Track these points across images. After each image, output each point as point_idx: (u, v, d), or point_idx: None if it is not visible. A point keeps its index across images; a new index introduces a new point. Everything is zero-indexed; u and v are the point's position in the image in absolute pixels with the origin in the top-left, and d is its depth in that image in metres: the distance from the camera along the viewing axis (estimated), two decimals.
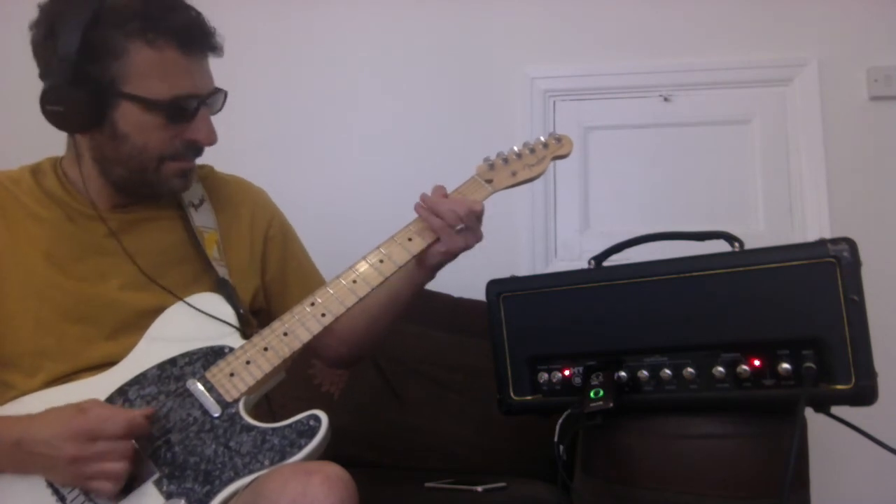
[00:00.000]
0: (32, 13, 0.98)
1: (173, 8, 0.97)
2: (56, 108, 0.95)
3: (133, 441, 0.89)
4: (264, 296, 1.19)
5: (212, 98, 1.03)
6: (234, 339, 1.01)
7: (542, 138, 1.18)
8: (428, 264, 1.10)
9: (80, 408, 0.90)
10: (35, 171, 1.08)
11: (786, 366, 0.97)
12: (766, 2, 2.06)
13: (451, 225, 1.06)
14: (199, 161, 1.08)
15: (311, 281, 1.19)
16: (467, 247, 1.09)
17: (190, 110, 0.99)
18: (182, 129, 1.00)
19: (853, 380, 0.94)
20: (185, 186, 1.07)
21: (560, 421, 1.11)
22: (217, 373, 0.98)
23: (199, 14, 1.00)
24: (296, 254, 1.23)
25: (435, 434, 1.67)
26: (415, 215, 1.10)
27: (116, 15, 0.94)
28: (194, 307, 1.03)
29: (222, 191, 1.19)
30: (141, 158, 1.00)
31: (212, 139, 1.03)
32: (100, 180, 1.04)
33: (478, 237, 1.10)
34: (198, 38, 0.99)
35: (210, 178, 1.19)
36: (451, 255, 1.09)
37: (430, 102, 2.18)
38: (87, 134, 1.00)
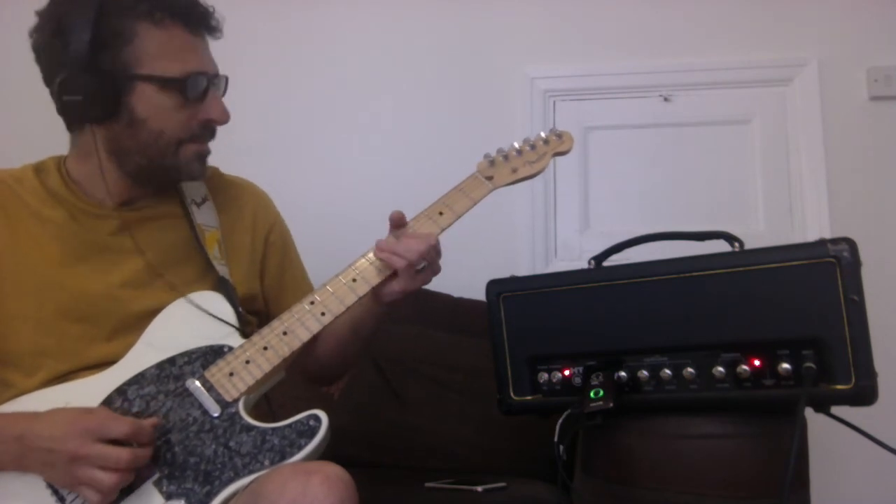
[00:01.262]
0: (33, 14, 0.98)
1: None
2: (74, 97, 0.96)
3: (133, 454, 0.87)
4: (262, 299, 1.19)
5: (217, 79, 1.05)
6: (233, 339, 1.01)
7: (542, 134, 1.17)
8: (384, 301, 1.09)
9: (87, 410, 0.90)
10: (39, 169, 1.08)
11: (786, 366, 0.97)
12: (766, 2, 2.07)
13: (413, 265, 1.04)
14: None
15: (304, 292, 1.19)
16: (426, 283, 1.08)
17: (201, 87, 1.02)
18: (196, 109, 1.02)
19: (853, 380, 0.95)
20: (202, 172, 1.07)
21: (560, 421, 1.11)
22: (216, 372, 0.98)
23: None
24: (293, 263, 1.24)
25: (435, 434, 1.67)
26: (414, 214, 1.09)
27: (122, 1, 0.96)
28: (195, 304, 1.02)
29: (227, 191, 1.19)
30: (159, 144, 1.01)
31: (225, 117, 1.05)
32: (116, 174, 1.04)
33: (436, 271, 1.08)
34: (200, 16, 1.02)
35: (214, 178, 1.19)
36: (410, 294, 1.07)
37: (430, 102, 2.18)
38: (104, 125, 1.01)
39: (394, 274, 1.05)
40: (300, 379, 1.26)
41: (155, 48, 0.98)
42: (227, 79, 1.07)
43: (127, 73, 0.97)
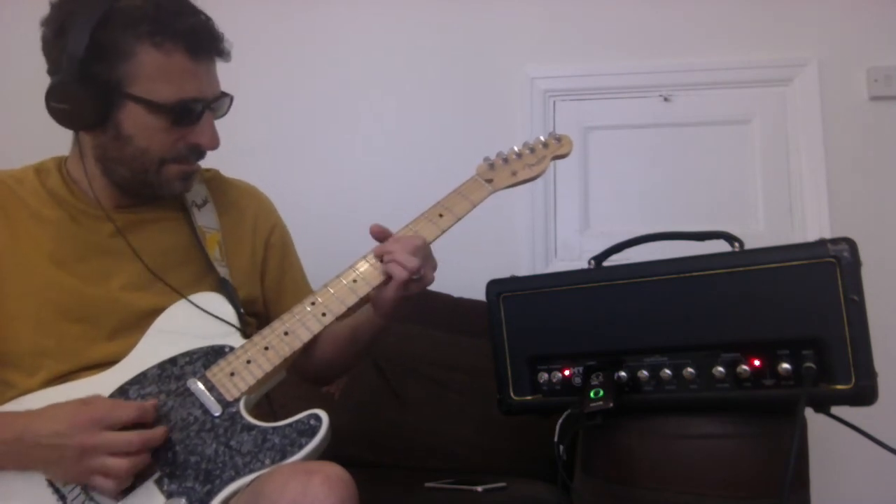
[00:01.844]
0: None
1: (183, 12, 0.98)
2: (61, 105, 0.95)
3: (141, 437, 0.88)
4: (262, 301, 1.19)
5: (217, 102, 1.03)
6: (234, 339, 1.02)
7: (541, 138, 1.18)
8: (381, 311, 1.09)
9: (83, 401, 0.90)
10: (39, 170, 1.08)
11: (786, 366, 0.97)
12: (766, 2, 2.07)
13: (412, 274, 1.02)
14: (204, 164, 1.08)
15: (303, 295, 1.19)
16: (430, 282, 1.07)
17: (194, 114, 1.00)
18: (185, 133, 1.00)
19: (853, 380, 0.94)
20: (185, 189, 1.07)
21: (560, 421, 1.11)
22: (217, 372, 0.98)
23: (208, 19, 1.00)
24: (293, 266, 1.24)
25: (435, 434, 1.67)
26: (416, 214, 1.10)
27: (127, 16, 0.94)
28: (196, 304, 1.03)
29: (227, 193, 1.19)
30: (143, 160, 1.00)
31: (214, 143, 1.03)
32: (102, 180, 1.04)
33: (433, 266, 1.07)
34: (206, 43, 0.99)
35: (215, 180, 1.19)
36: (401, 301, 1.05)
37: (431, 103, 2.18)
38: (91, 133, 1.00)
39: (387, 279, 1.05)
40: (297, 378, 1.26)
41: (151, 70, 0.95)
42: (231, 98, 1.05)
43: (119, 89, 0.95)
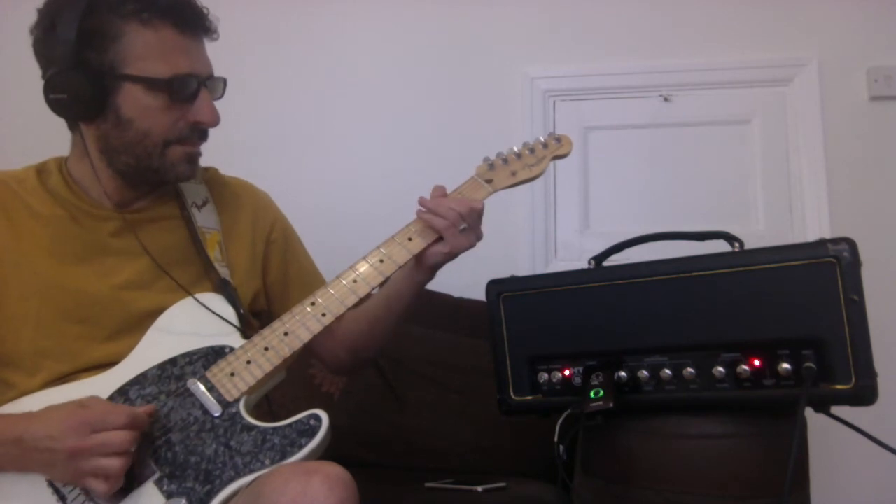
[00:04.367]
0: (34, 14, 0.98)
1: None
2: (60, 95, 0.96)
3: (132, 435, 0.88)
4: (266, 298, 1.19)
5: (211, 81, 1.04)
6: (234, 339, 1.01)
7: (541, 138, 1.18)
8: (427, 264, 1.10)
9: (80, 403, 0.90)
10: (40, 170, 1.08)
11: (786, 366, 0.97)
12: (766, 2, 2.07)
13: (454, 224, 1.06)
14: (203, 162, 1.08)
15: (312, 284, 1.19)
16: (470, 246, 1.08)
17: (191, 89, 1.00)
18: (185, 111, 1.01)
19: (853, 380, 0.95)
20: (191, 173, 1.06)
21: (560, 421, 1.11)
22: (218, 372, 0.98)
23: None
24: (297, 257, 1.24)
25: (435, 434, 1.67)
26: (416, 213, 1.10)
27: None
28: (199, 302, 1.03)
29: (226, 192, 1.19)
30: (145, 143, 1.00)
31: (215, 119, 1.03)
32: (107, 172, 1.04)
33: (479, 236, 1.09)
34: (192, 19, 1.00)
35: (214, 180, 1.19)
36: (452, 255, 1.08)
37: (430, 102, 2.18)
38: (92, 123, 1.01)
39: (439, 237, 1.07)
40: (324, 368, 1.23)
41: (142, 49, 0.96)
42: (224, 81, 1.06)
43: (113, 72, 0.96)
